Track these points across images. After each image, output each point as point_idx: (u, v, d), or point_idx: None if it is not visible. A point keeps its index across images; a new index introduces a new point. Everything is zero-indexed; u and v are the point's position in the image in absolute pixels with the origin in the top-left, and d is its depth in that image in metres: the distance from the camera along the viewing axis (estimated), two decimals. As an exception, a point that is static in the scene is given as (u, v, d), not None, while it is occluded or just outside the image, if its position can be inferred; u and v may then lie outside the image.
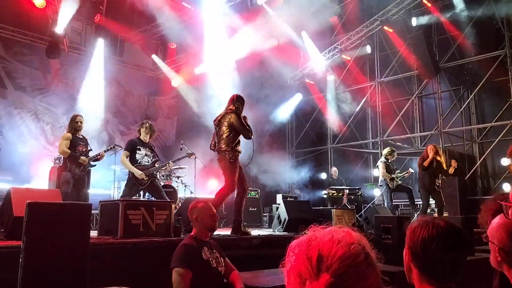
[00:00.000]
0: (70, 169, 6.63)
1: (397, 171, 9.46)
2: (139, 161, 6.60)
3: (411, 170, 9.81)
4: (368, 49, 13.61)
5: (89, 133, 11.16)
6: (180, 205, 7.84)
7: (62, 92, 11.39)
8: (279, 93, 14.36)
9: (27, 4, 9.65)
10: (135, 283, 3.49)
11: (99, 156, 6.98)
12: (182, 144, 9.40)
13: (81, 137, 6.98)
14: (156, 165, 6.79)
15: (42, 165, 9.14)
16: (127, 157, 6.58)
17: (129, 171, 6.58)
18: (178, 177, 9.68)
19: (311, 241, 1.00)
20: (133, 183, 6.51)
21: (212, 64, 12.64)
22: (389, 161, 9.33)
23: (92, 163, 6.98)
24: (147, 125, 6.85)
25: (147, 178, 6.53)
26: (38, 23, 10.25)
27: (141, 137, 6.79)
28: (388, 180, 9.06)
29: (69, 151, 6.65)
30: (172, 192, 9.01)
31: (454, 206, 10.55)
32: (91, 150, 7.05)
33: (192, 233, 3.43)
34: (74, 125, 6.88)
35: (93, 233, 4.76)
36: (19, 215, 4.20)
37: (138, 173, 6.44)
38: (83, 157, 6.71)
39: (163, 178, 9.06)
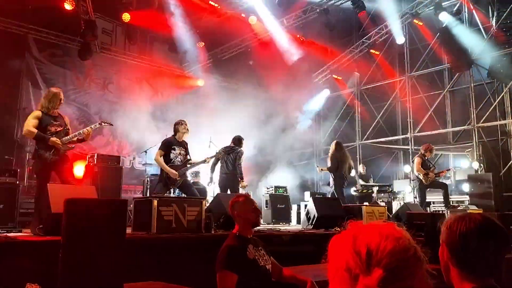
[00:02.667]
0: (39, 155, 5.51)
1: (433, 168, 9.25)
2: (172, 161, 6.60)
3: (452, 168, 9.66)
4: (400, 39, 13.23)
5: (120, 132, 11.51)
6: (209, 201, 7.94)
7: (94, 92, 11.67)
8: (306, 89, 14.29)
9: (59, 6, 9.90)
10: (169, 277, 3.56)
11: (83, 135, 5.83)
12: (210, 142, 9.55)
13: (56, 115, 5.78)
14: (188, 164, 6.82)
15: (76, 163, 9.38)
16: (161, 157, 6.57)
17: (161, 169, 6.61)
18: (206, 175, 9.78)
19: (357, 236, 1.01)
20: (166, 182, 6.55)
21: (240, 61, 12.68)
22: (426, 157, 9.18)
23: (70, 145, 5.78)
24: (185, 125, 6.83)
25: (179, 178, 6.59)
26: (70, 24, 10.51)
27: (176, 136, 6.79)
28: (422, 175, 8.90)
29: (35, 130, 5.49)
30: (201, 189, 9.15)
31: (488, 203, 10.29)
32: (68, 129, 5.86)
33: (234, 230, 3.24)
34: (54, 101, 5.73)
35: (127, 229, 4.86)
36: (57, 212, 4.34)
37: (173, 173, 6.48)
38: (53, 138, 5.53)
39: (192, 175, 9.20)
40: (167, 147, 6.64)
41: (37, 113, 5.64)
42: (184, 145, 6.83)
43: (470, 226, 1.50)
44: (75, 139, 5.79)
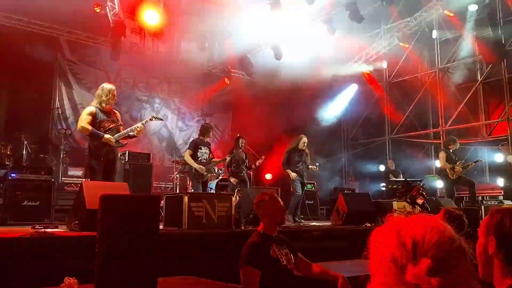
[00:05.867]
0: (93, 152, 5.57)
1: (460, 161, 9.00)
2: (199, 159, 7.51)
3: (481, 160, 9.43)
4: (434, 33, 12.92)
5: (150, 130, 11.71)
6: (238, 198, 8.01)
7: (124, 91, 11.89)
8: (334, 83, 14.14)
9: (90, 8, 10.12)
10: (200, 272, 3.61)
11: (135, 131, 5.82)
12: (239, 137, 9.59)
13: (109, 111, 5.79)
14: (212, 162, 7.76)
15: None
16: (190, 155, 7.48)
17: (190, 166, 7.56)
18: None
19: (401, 229, 1.01)
20: (194, 176, 7.56)
21: (266, 56, 12.68)
22: (451, 150, 8.96)
23: (122, 141, 5.87)
24: (212, 129, 8.01)
25: (205, 173, 7.54)
26: (100, 25, 10.72)
27: (203, 137, 7.75)
28: (448, 170, 8.68)
29: (90, 127, 5.50)
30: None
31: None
32: (121, 125, 5.92)
33: (259, 228, 3.27)
34: (107, 97, 5.71)
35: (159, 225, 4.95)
36: (92, 208, 4.44)
37: (201, 168, 7.43)
38: (107, 135, 5.54)
39: (221, 172, 9.29)
40: (195, 147, 7.60)
41: (91, 109, 5.64)
42: (208, 146, 7.78)
43: None
44: (126, 135, 5.84)
